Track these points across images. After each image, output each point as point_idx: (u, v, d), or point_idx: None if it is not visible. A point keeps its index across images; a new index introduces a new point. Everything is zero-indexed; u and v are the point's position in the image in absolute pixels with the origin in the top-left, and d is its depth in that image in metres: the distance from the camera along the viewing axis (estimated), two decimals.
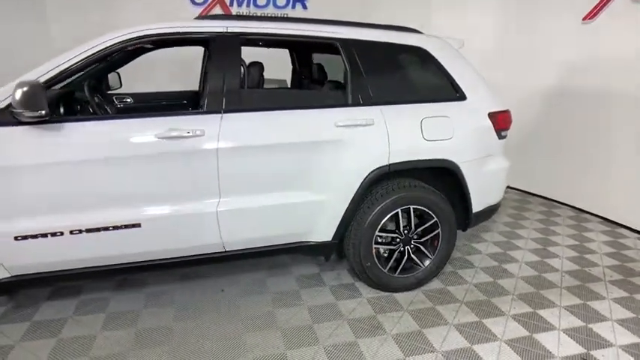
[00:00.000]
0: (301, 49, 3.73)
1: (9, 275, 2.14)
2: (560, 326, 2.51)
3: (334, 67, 3.35)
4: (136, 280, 2.87)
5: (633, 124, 3.86)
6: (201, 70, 3.71)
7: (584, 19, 4.23)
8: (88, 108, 2.52)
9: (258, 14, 6.22)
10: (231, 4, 6.17)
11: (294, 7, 6.30)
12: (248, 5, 6.21)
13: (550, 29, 4.49)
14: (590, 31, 4.20)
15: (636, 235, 3.88)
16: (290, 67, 4.33)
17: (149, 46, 2.73)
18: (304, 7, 6.31)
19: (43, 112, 1.87)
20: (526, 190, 5.04)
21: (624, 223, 4.03)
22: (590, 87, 4.22)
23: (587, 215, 4.34)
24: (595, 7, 4.13)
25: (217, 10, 6.11)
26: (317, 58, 3.69)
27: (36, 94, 1.85)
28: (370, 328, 2.45)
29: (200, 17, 2.48)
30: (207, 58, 2.37)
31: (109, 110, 2.61)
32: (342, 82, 2.70)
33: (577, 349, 2.31)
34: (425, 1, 5.69)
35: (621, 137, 3.98)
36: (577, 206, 4.50)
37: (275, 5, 6.26)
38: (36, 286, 2.66)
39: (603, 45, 4.08)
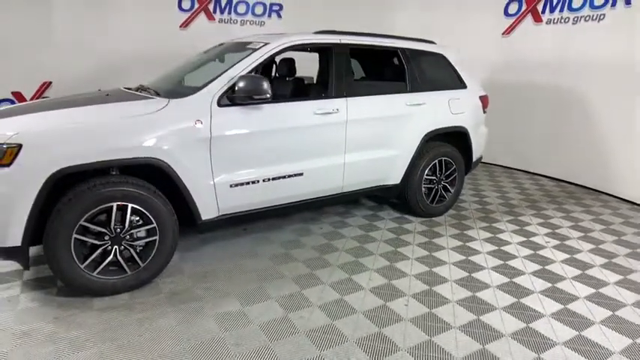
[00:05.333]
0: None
1: (218, 215, 3.01)
2: (533, 222, 4.16)
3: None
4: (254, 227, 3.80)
5: (540, 104, 5.81)
6: None
7: (503, 34, 6.11)
8: None
9: (239, 21, 7.12)
10: (215, 11, 6.96)
11: (270, 16, 7.33)
12: (229, 13, 7.07)
13: (480, 41, 6.29)
14: (508, 42, 6.09)
15: (547, 178, 5.86)
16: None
17: None
18: (279, 16, 7.38)
19: (268, 95, 2.84)
20: None
21: (540, 172, 6.00)
22: (509, 81, 6.11)
23: (514, 170, 6.27)
24: (510, 26, 6.03)
25: (202, 16, 6.83)
26: None
27: (263, 83, 2.82)
28: (432, 234, 3.80)
29: (320, 32, 3.55)
30: (330, 61, 3.44)
31: None
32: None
33: (547, 231, 3.96)
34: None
35: (533, 114, 5.92)
36: (506, 165, 6.41)
37: (253, 14, 7.22)
38: (227, 226, 3.43)
39: (517, 52, 5.99)
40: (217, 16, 6.98)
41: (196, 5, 6.79)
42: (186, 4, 6.72)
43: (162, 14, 6.53)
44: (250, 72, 2.99)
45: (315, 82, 4.64)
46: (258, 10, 7.23)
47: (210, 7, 6.90)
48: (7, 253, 2.45)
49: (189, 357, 2.16)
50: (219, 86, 2.89)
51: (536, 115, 5.88)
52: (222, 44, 3.95)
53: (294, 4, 7.39)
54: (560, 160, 5.71)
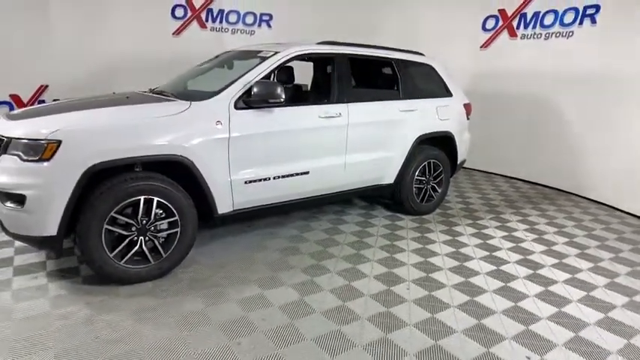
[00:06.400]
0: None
1: (232, 210, 3.24)
2: (513, 220, 4.55)
3: None
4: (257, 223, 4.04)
5: (516, 112, 6.28)
6: None
7: (481, 47, 6.59)
8: None
9: (230, 30, 7.37)
10: (207, 19, 7.18)
11: (260, 25, 7.61)
12: (221, 22, 7.30)
13: (460, 53, 6.74)
14: (485, 55, 6.56)
15: (522, 181, 6.33)
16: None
17: None
18: (269, 26, 7.66)
19: (282, 99, 3.11)
20: None
21: (515, 176, 6.47)
22: (487, 90, 6.57)
23: (491, 174, 6.72)
24: (488, 40, 6.51)
25: (195, 24, 7.04)
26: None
27: (277, 88, 3.09)
28: (424, 230, 4.13)
29: (322, 42, 3.84)
30: (332, 69, 3.74)
31: None
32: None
33: (526, 227, 4.35)
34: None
35: (510, 121, 6.38)
36: (483, 169, 6.85)
37: (244, 23, 7.48)
38: (237, 221, 3.64)
39: (494, 64, 6.46)
40: (209, 24, 7.20)
41: (189, 14, 7.00)
42: (179, 13, 6.92)
43: (156, 22, 6.71)
44: (263, 78, 3.26)
45: (309, 89, 4.95)
46: (249, 19, 7.49)
47: (203, 15, 7.12)
48: (43, 242, 2.63)
49: (221, 333, 2.38)
50: (235, 90, 3.14)
51: (512, 122, 6.34)
52: (227, 52, 4.20)
53: (283, 15, 7.69)
54: (534, 165, 6.18)
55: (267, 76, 3.34)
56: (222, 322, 2.49)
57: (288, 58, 3.44)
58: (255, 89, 3.08)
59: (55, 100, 3.68)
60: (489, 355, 2.31)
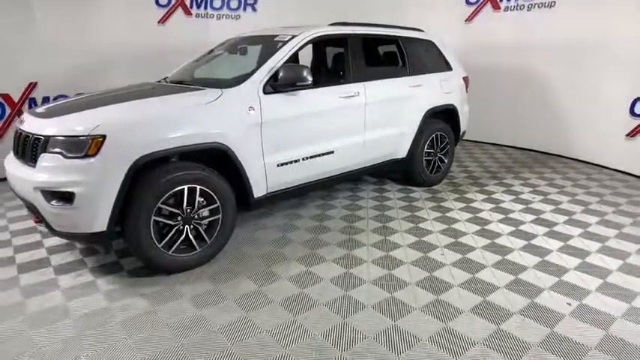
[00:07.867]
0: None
1: (266, 193, 3.31)
2: (516, 184, 4.81)
3: None
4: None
5: (503, 83, 6.52)
6: None
7: (465, 20, 6.76)
8: None
9: (215, 16, 7.25)
10: (192, 5, 7.03)
11: (245, 9, 7.51)
12: (206, 7, 7.17)
13: (445, 27, 6.87)
14: (470, 28, 6.75)
15: (513, 148, 6.62)
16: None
17: None
18: (254, 9, 7.57)
19: (310, 82, 3.18)
20: None
21: (506, 143, 6.76)
22: (474, 63, 6.74)
23: (482, 143, 7.00)
24: (472, 14, 6.68)
25: (179, 11, 6.88)
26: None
27: (304, 71, 3.15)
28: (438, 199, 4.33)
29: (334, 24, 3.89)
30: (347, 49, 3.81)
31: None
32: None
33: (530, 189, 4.62)
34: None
35: (498, 91, 6.63)
36: (475, 139, 7.11)
37: (229, 7, 7.37)
38: (266, 204, 3.67)
39: (479, 37, 6.65)
40: (194, 10, 7.05)
41: (173, 0, 6.83)
42: (163, 0, 6.75)
43: (141, 11, 6.52)
44: (286, 62, 3.31)
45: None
46: (234, 4, 7.37)
47: (187, 2, 6.97)
48: (92, 238, 2.64)
49: (283, 310, 2.49)
50: (262, 75, 3.18)
51: (499, 92, 6.59)
52: (233, 38, 4.19)
53: None
54: (522, 131, 6.47)
55: (289, 60, 3.38)
56: (281, 300, 2.59)
57: (307, 40, 3.49)
58: (282, 73, 3.13)
59: (77, 95, 3.61)
60: (534, 305, 2.53)
